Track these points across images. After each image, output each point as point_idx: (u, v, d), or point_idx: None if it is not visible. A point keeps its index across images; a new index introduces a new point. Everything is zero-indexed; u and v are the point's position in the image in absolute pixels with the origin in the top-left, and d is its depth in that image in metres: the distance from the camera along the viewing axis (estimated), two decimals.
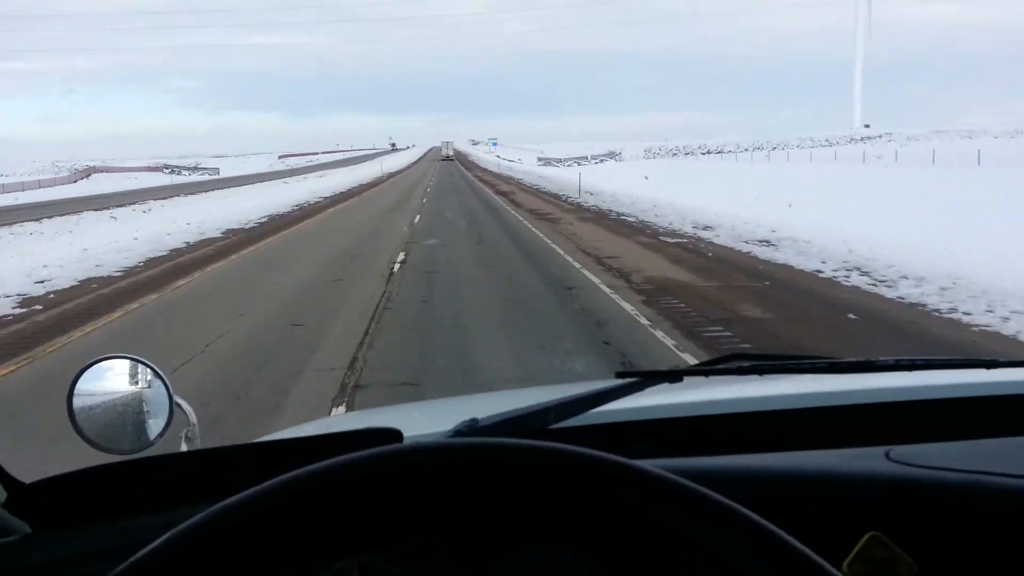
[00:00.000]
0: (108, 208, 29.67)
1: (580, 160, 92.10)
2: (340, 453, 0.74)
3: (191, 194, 41.55)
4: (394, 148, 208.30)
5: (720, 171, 49.66)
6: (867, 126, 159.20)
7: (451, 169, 74.32)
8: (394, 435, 1.02)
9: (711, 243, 15.23)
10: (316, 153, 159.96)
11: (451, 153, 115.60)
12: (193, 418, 1.36)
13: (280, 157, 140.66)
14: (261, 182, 54.68)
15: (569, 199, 29.96)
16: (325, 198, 34.26)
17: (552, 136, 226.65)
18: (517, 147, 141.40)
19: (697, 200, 23.03)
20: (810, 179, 35.38)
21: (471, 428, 1.15)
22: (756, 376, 1.37)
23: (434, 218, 22.64)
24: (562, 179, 42.86)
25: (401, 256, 13.94)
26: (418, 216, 23.12)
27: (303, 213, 26.32)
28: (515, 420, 1.17)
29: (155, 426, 1.28)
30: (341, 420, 2.83)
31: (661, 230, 17.93)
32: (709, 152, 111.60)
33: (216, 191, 44.13)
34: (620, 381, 1.24)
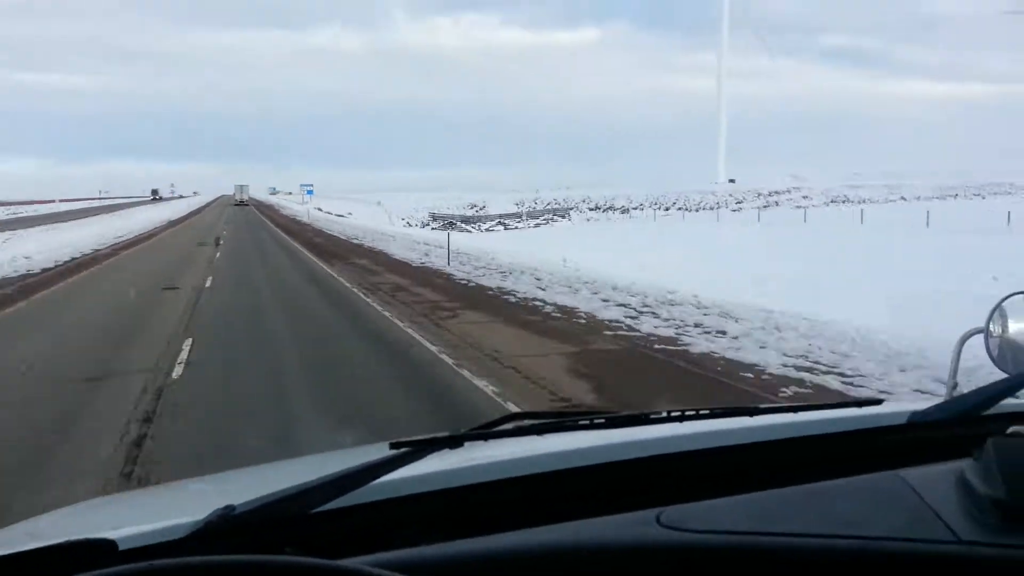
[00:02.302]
0: None
1: (505, 220, 60.36)
2: (45, 570, 0.67)
3: None
4: (157, 198, 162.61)
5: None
6: (732, 180, 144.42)
7: (259, 244, 31.24)
8: (106, 547, 0.95)
9: None
10: (42, 202, 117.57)
11: (246, 198, 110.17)
12: None
13: None
14: None
15: None
16: None
17: (374, 187, 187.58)
18: (340, 198, 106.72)
19: None
20: None
21: (226, 516, 1.07)
22: (536, 435, 1.37)
23: None
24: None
25: None
26: None
27: None
28: (275, 504, 1.10)
29: None
30: (61, 515, 1.85)
31: None
32: (612, 208, 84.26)
33: None
34: (394, 452, 1.20)
